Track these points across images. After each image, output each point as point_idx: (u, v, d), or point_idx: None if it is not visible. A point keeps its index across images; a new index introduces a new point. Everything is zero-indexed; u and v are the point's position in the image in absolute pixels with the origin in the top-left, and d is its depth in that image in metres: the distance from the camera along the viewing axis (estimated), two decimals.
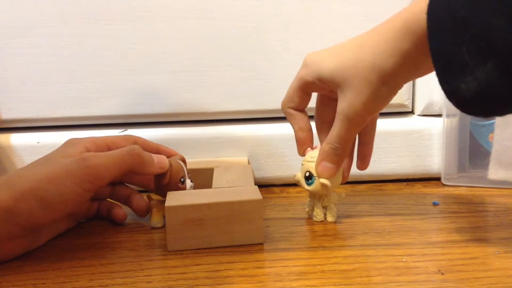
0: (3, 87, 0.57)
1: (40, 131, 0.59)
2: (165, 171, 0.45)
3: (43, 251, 0.42)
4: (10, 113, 0.58)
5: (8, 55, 0.56)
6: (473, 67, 0.29)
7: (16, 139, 0.58)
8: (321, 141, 0.47)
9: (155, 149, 0.50)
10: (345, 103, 0.40)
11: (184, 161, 0.50)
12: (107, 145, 0.46)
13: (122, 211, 0.48)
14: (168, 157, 0.48)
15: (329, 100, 0.45)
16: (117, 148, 0.45)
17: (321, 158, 0.44)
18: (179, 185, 0.47)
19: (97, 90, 0.58)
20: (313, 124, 0.48)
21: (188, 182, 0.48)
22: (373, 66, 0.38)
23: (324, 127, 0.47)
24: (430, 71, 0.37)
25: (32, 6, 0.55)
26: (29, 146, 0.58)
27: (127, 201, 0.49)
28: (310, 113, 0.48)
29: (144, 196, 0.49)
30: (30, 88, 0.57)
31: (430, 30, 0.32)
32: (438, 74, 0.32)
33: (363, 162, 0.48)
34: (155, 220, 0.47)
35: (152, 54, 0.57)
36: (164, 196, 0.44)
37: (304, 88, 0.45)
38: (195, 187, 0.48)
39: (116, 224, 0.48)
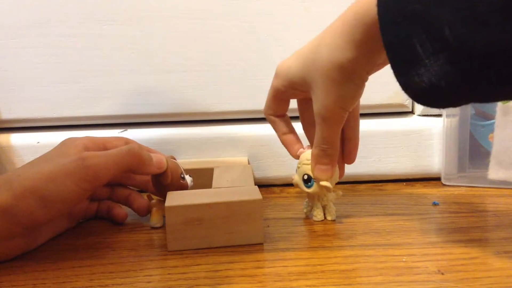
0: (3, 87, 0.57)
1: (40, 131, 0.59)
2: (164, 171, 0.45)
3: (43, 251, 0.42)
4: (10, 113, 0.58)
5: (8, 55, 0.56)
6: (426, 59, 0.30)
7: (16, 139, 0.58)
8: (310, 142, 0.47)
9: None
10: (318, 104, 0.40)
11: (174, 159, 0.50)
12: (104, 145, 0.46)
13: (123, 210, 0.48)
14: None
15: (308, 101, 0.45)
16: (112, 148, 0.45)
17: (315, 162, 0.44)
18: (180, 181, 0.47)
19: (97, 90, 0.58)
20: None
21: (188, 177, 0.48)
22: (331, 62, 0.38)
23: (310, 129, 0.47)
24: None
25: (32, 6, 0.55)
26: (29, 146, 0.58)
27: (127, 202, 0.49)
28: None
29: (144, 196, 0.49)
30: (30, 88, 0.57)
31: (381, 22, 0.32)
32: (392, 66, 0.32)
33: (349, 157, 0.48)
34: (155, 219, 0.47)
35: (152, 54, 0.57)
36: (165, 196, 0.44)
37: (279, 97, 0.46)
38: (195, 187, 0.48)
39: (116, 224, 0.48)
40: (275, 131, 0.48)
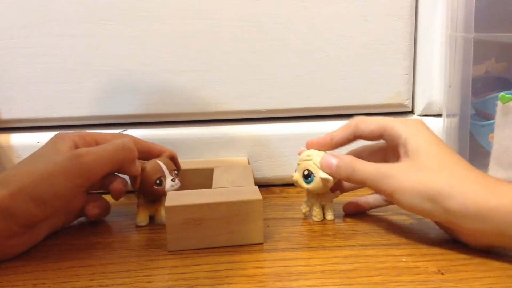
0: (3, 87, 0.57)
1: (40, 131, 0.59)
2: (135, 176, 0.46)
3: (43, 251, 0.42)
4: (10, 113, 0.58)
5: (8, 55, 0.56)
6: None
7: (16, 139, 0.58)
8: (336, 142, 0.46)
9: (147, 147, 0.50)
10: (403, 172, 0.40)
11: (173, 157, 0.50)
12: (95, 140, 0.46)
13: (120, 185, 0.46)
14: (158, 154, 0.49)
15: (382, 150, 0.47)
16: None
17: (336, 156, 0.43)
18: (154, 187, 0.47)
19: (97, 90, 0.58)
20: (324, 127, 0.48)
21: (169, 182, 0.47)
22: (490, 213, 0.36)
23: (347, 139, 0.46)
24: None
25: (31, 6, 0.55)
26: (29, 146, 0.57)
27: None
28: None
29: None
30: (30, 88, 0.57)
31: None
32: None
33: (339, 188, 0.49)
34: (140, 218, 0.48)
35: (152, 54, 0.57)
36: (148, 197, 0.47)
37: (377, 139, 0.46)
38: (195, 187, 0.48)
39: (114, 199, 0.46)
40: (338, 130, 0.46)
